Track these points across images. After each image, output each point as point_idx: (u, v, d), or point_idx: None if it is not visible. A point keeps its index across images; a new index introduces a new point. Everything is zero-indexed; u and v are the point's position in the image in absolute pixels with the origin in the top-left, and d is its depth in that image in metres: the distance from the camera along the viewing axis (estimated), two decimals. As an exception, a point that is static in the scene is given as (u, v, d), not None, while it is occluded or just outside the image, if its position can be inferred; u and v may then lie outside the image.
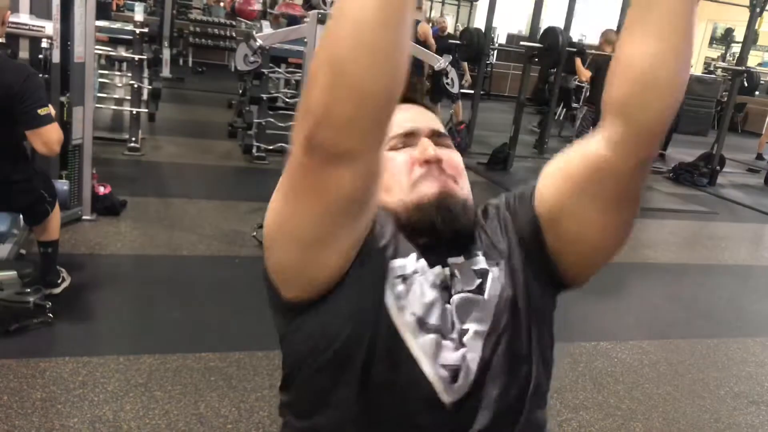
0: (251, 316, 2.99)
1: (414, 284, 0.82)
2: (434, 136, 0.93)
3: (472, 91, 7.61)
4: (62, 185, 3.15)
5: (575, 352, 3.06)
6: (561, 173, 0.86)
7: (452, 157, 0.92)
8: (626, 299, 4.05)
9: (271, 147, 5.82)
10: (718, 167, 7.68)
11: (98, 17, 3.94)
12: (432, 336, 0.80)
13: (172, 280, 3.34)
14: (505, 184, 6.17)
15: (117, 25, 5.91)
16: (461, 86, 6.85)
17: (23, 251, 3.14)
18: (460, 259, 0.87)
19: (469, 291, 0.84)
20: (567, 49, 6.75)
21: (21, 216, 3.00)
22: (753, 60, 13.11)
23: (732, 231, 6.01)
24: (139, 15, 5.51)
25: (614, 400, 2.74)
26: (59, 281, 2.89)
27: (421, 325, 0.81)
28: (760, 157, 10.03)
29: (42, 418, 2.13)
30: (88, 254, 3.42)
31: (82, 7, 3.49)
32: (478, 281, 0.85)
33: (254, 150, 5.78)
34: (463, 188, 0.91)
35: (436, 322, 0.81)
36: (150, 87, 5.82)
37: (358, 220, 0.77)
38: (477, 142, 7.58)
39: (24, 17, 3.16)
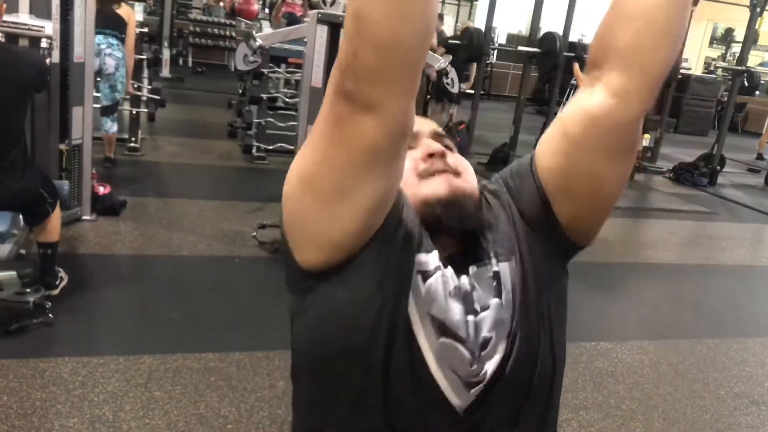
0: (251, 316, 2.99)
1: (436, 285, 0.81)
2: (436, 136, 0.93)
3: (472, 91, 7.60)
4: (62, 185, 3.15)
5: (575, 352, 3.06)
6: (559, 136, 0.86)
7: (455, 157, 0.92)
8: (626, 299, 4.05)
9: (271, 147, 5.82)
10: (718, 167, 7.67)
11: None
12: (447, 341, 0.79)
13: (172, 281, 3.34)
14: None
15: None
16: (462, 89, 6.85)
17: (23, 251, 3.13)
18: (474, 268, 0.86)
19: (488, 300, 0.83)
20: (565, 54, 6.79)
21: (21, 216, 3.00)
22: (753, 60, 13.11)
23: (732, 231, 6.00)
24: (138, 15, 5.51)
25: (614, 400, 2.74)
26: (57, 282, 2.89)
27: (438, 327, 0.79)
28: (760, 157, 10.02)
29: (41, 419, 2.13)
30: (87, 254, 3.42)
31: (82, 7, 3.49)
32: (494, 284, 0.85)
33: (254, 150, 5.78)
34: (470, 182, 0.90)
35: (454, 328, 0.80)
36: (149, 87, 5.82)
37: (381, 178, 0.75)
38: (477, 142, 7.57)
39: (24, 17, 3.16)
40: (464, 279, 0.84)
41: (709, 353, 3.33)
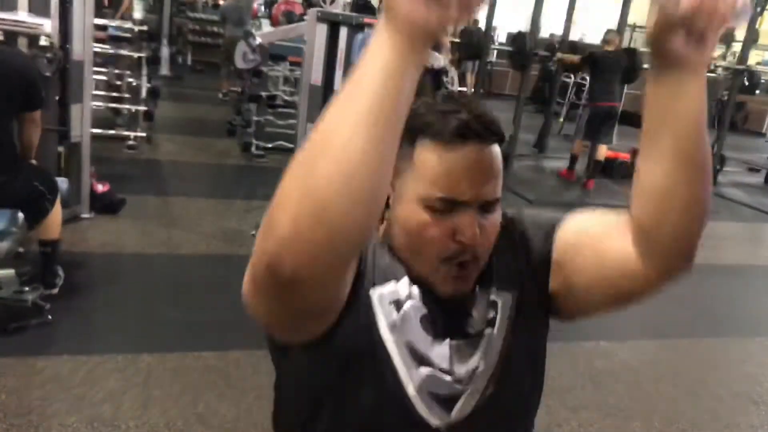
0: (250, 314, 2.98)
1: (409, 313, 0.81)
2: (483, 208, 0.81)
3: (467, 90, 7.60)
4: (61, 183, 3.14)
5: (575, 351, 3.06)
6: (596, 233, 0.85)
7: (488, 232, 0.82)
8: (626, 298, 4.04)
9: (270, 145, 5.81)
10: (718, 166, 7.67)
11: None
12: (427, 369, 0.80)
13: (171, 279, 3.34)
14: (506, 183, 6.14)
15: (116, 23, 5.90)
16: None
17: (22, 249, 3.12)
18: (476, 289, 0.86)
19: (481, 327, 0.84)
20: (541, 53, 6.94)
21: (21, 214, 2.98)
22: (753, 59, 13.09)
23: (732, 230, 6.00)
24: (138, 13, 5.50)
25: (614, 399, 2.73)
26: (57, 281, 2.88)
27: (415, 355, 0.80)
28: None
29: (40, 417, 2.12)
30: (86, 253, 3.41)
31: (81, 5, 3.47)
32: (491, 314, 0.85)
33: (253, 148, 5.78)
34: (479, 268, 0.84)
35: (433, 356, 0.81)
36: (149, 85, 5.81)
37: (328, 316, 0.76)
38: (477, 140, 7.55)
39: (22, 14, 3.14)
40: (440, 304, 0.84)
41: (709, 353, 3.33)
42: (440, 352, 0.81)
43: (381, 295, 0.81)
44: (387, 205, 0.84)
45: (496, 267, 0.87)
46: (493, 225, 0.82)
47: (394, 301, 0.81)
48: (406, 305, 0.81)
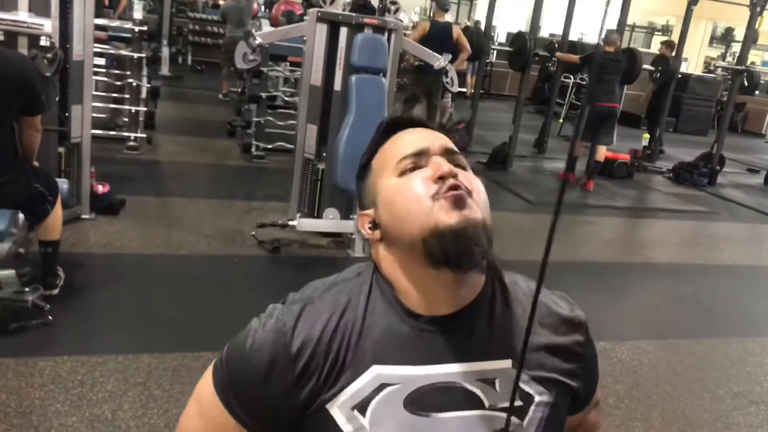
0: (250, 314, 2.98)
1: (378, 410, 0.77)
2: (446, 153, 0.84)
3: (467, 91, 7.60)
4: (62, 184, 3.14)
5: (575, 351, 3.06)
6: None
7: (468, 177, 0.83)
8: (626, 299, 4.05)
9: (270, 146, 5.81)
10: (717, 167, 7.67)
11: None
12: None
13: (171, 279, 3.34)
14: (505, 183, 6.17)
15: (116, 23, 5.90)
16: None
17: (22, 250, 3.13)
18: (507, 363, 0.83)
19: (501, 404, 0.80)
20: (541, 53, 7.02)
21: (21, 215, 2.99)
22: (753, 59, 13.10)
23: (732, 231, 6.00)
24: (138, 13, 5.50)
25: (613, 399, 2.73)
26: (57, 282, 2.88)
27: None
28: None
29: (41, 417, 2.12)
30: (86, 253, 3.41)
31: (81, 4, 3.48)
32: (520, 403, 0.81)
33: (253, 149, 5.77)
34: (481, 205, 0.81)
35: None
36: (149, 85, 5.81)
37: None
38: (477, 141, 7.57)
39: (23, 15, 3.15)
40: (455, 367, 0.80)
41: (708, 353, 3.33)
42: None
43: (342, 403, 0.79)
44: (376, 225, 0.85)
45: (531, 348, 0.85)
46: (471, 177, 0.85)
47: (355, 406, 0.78)
48: (376, 400, 0.78)
